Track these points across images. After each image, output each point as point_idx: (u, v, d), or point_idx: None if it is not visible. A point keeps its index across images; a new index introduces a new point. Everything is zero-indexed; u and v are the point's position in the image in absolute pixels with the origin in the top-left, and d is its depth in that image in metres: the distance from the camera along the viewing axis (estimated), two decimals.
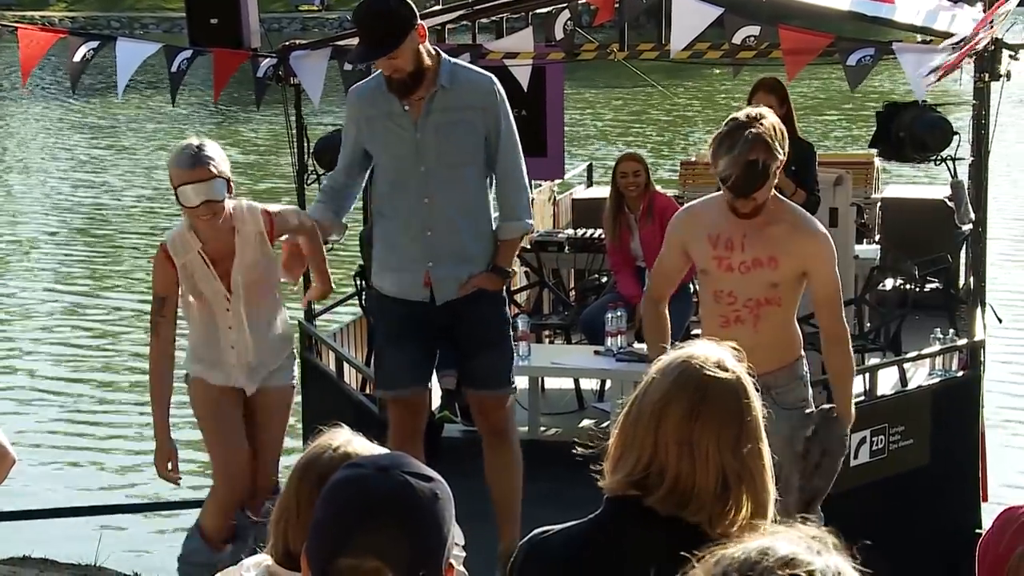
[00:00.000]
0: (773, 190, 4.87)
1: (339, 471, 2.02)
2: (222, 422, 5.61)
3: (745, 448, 2.46)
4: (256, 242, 5.50)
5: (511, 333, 5.73)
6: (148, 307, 5.68)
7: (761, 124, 4.69)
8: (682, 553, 2.46)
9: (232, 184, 5.46)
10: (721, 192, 4.98)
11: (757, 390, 2.51)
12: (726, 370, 2.48)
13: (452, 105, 5.33)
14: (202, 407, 5.66)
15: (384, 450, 2.53)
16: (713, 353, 2.51)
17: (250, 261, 5.50)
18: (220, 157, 5.40)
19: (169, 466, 5.58)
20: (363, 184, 5.79)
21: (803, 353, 5.05)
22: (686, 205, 5.26)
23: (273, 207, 5.67)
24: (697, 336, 6.10)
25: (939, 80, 6.56)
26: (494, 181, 5.49)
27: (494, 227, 5.52)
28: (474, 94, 5.36)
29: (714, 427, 2.44)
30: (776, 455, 4.83)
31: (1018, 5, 6.72)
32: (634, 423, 2.50)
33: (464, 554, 2.90)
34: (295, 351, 5.89)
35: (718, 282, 4.93)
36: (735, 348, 2.57)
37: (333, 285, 5.88)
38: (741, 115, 4.77)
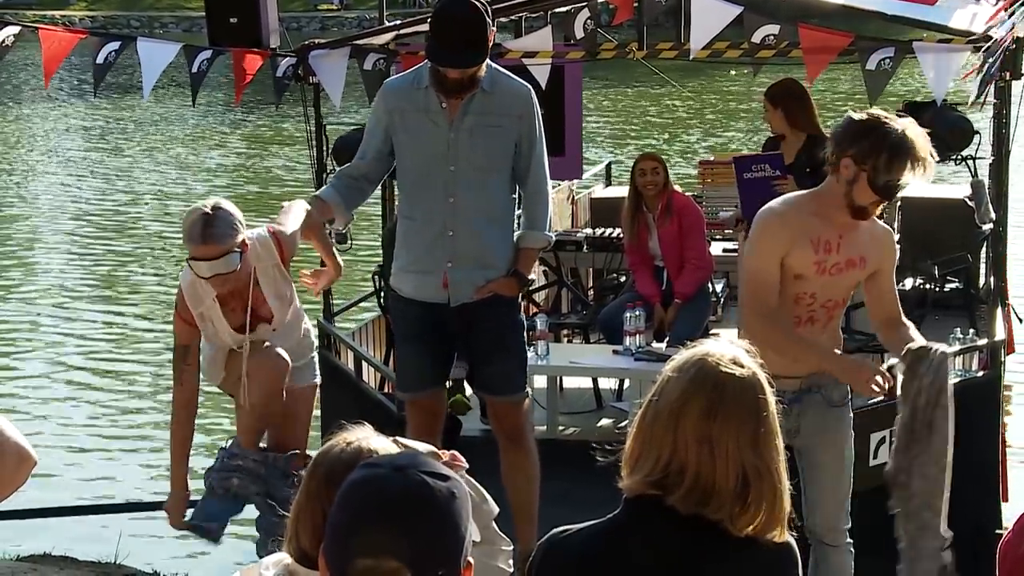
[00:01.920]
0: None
1: (356, 471, 2.02)
2: None
3: (763, 444, 2.46)
4: (275, 275, 5.40)
5: (525, 338, 5.73)
6: (166, 310, 5.66)
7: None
8: (703, 550, 2.47)
9: (247, 243, 5.22)
10: (800, 192, 4.93)
11: (771, 386, 2.52)
12: (742, 367, 2.49)
13: (490, 110, 5.34)
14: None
15: (399, 449, 2.54)
16: (728, 350, 2.51)
17: (275, 295, 5.41)
18: (230, 224, 5.14)
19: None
20: (380, 181, 5.76)
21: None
22: (769, 207, 4.89)
23: (279, 227, 5.46)
24: (716, 335, 6.07)
25: (986, 90, 6.54)
26: (520, 191, 5.50)
27: (515, 236, 5.54)
28: (512, 101, 5.37)
29: (733, 424, 2.45)
30: (834, 457, 4.89)
31: None
32: (652, 423, 2.50)
33: (497, 509, 2.94)
34: (316, 351, 5.87)
35: (805, 285, 4.78)
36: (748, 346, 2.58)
37: (341, 263, 5.86)
38: (912, 128, 4.62)
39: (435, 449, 2.77)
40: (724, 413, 2.45)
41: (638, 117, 27.22)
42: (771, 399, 2.50)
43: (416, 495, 1.95)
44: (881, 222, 5.00)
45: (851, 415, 5.06)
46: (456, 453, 2.85)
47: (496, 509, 2.97)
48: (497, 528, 2.98)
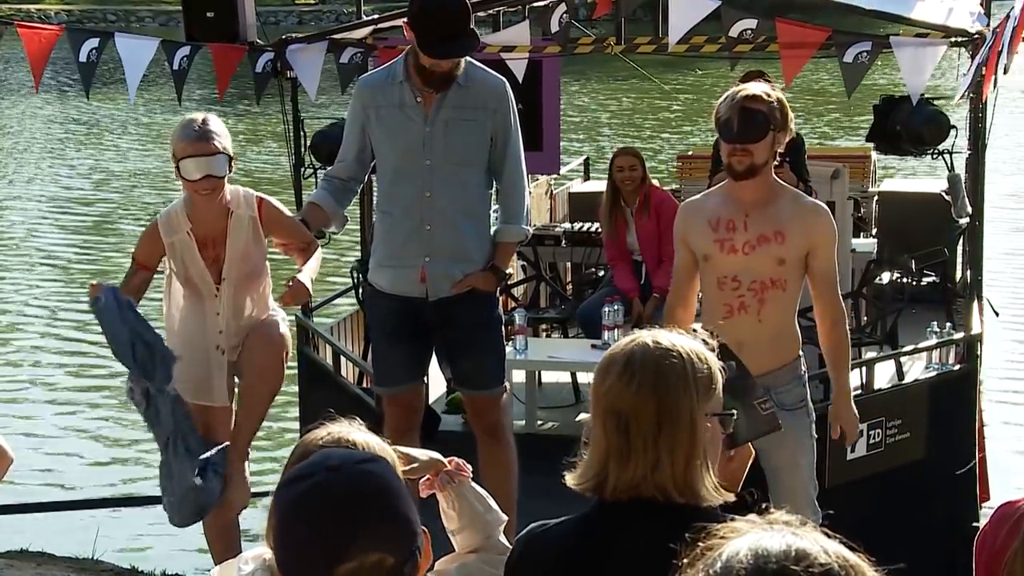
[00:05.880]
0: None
1: (287, 487, 1.98)
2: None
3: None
4: (249, 227, 5.46)
5: (503, 333, 5.72)
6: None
7: (772, 92, 4.79)
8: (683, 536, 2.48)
9: (234, 162, 5.42)
10: (721, 184, 4.99)
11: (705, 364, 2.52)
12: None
13: (465, 103, 5.34)
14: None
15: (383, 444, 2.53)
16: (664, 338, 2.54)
17: (242, 248, 5.46)
18: (224, 133, 5.38)
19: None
20: (365, 178, 5.76)
21: (801, 353, 5.03)
22: (684, 201, 5.18)
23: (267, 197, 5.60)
24: (693, 330, 6.05)
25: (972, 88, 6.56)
26: (496, 184, 5.50)
27: (491, 230, 5.53)
28: (487, 95, 5.37)
29: None
30: (787, 461, 4.87)
31: None
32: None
33: (506, 518, 2.92)
34: (284, 314, 5.78)
35: (722, 267, 4.85)
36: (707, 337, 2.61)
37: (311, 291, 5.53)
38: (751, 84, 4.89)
39: (440, 457, 2.75)
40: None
41: (616, 112, 27.22)
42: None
43: (364, 486, 1.94)
44: (811, 198, 5.05)
45: (811, 419, 4.99)
46: (460, 461, 2.83)
47: (504, 518, 2.91)
48: (505, 539, 2.92)
